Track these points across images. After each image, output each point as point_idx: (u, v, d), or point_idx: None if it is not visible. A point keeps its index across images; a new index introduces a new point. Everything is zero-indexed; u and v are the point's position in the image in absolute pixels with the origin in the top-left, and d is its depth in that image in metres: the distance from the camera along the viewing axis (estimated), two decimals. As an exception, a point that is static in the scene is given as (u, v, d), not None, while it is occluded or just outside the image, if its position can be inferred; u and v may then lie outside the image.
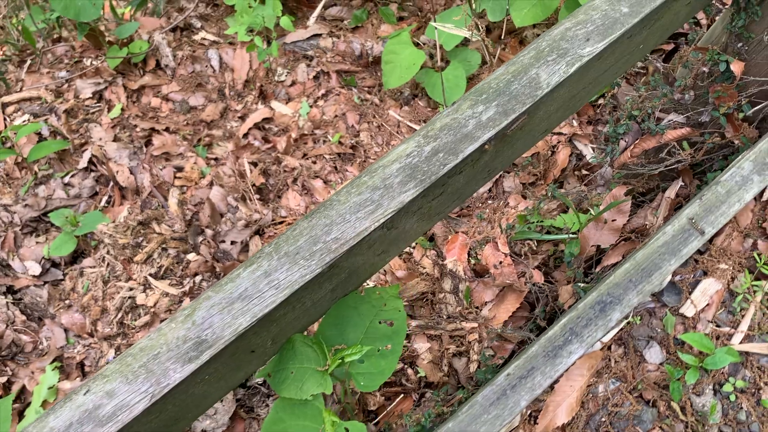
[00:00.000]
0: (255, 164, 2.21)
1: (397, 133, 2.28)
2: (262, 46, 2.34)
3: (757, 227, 1.47)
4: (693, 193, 1.65)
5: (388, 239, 1.10)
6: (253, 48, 2.34)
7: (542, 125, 1.20)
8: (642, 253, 1.02)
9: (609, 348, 1.54)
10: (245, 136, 2.41)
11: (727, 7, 1.47)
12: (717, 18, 1.53)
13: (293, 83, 2.59)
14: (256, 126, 2.43)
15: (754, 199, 1.55)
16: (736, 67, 1.41)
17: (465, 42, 2.52)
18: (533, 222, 1.87)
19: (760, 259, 1.51)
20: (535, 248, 1.79)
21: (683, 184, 1.66)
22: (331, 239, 1.00)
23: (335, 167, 2.18)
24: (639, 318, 1.54)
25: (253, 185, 2.12)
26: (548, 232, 1.80)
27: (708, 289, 1.44)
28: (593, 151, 2.09)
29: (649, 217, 1.65)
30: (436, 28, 2.15)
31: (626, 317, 1.54)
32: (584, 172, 2.01)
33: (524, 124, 1.11)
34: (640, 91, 1.64)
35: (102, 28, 2.84)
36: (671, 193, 1.65)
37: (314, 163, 2.18)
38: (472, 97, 1.12)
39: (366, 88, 2.50)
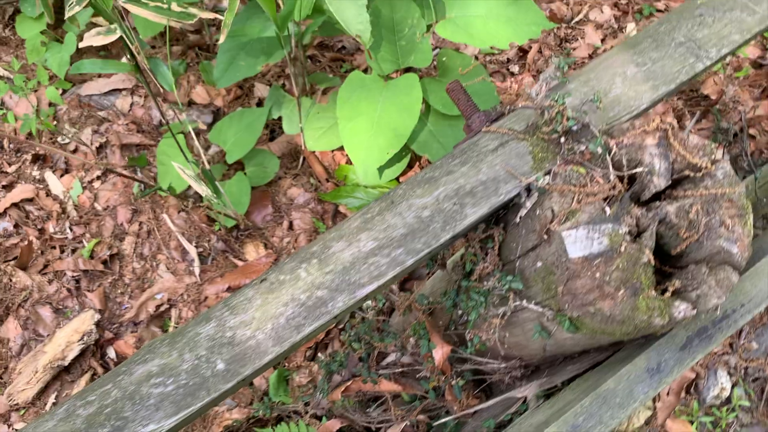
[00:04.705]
0: (-14, 271, 1.88)
1: (166, 246, 1.98)
2: (28, 117, 1.97)
3: None
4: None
5: None
6: (8, 121, 1.96)
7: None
8: None
9: None
10: (2, 215, 2.07)
11: (445, 271, 1.20)
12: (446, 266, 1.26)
13: (76, 149, 2.23)
14: (15, 205, 2.09)
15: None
16: (439, 354, 1.16)
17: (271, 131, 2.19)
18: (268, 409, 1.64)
19: None
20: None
21: (409, 423, 1.44)
22: None
23: (77, 288, 1.88)
24: None
25: (-30, 305, 1.81)
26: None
27: None
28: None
29: (365, 457, 1.43)
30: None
31: None
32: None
33: None
34: (366, 315, 1.38)
35: None
36: (393, 433, 1.43)
37: (50, 282, 1.86)
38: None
39: (154, 172, 2.16)
